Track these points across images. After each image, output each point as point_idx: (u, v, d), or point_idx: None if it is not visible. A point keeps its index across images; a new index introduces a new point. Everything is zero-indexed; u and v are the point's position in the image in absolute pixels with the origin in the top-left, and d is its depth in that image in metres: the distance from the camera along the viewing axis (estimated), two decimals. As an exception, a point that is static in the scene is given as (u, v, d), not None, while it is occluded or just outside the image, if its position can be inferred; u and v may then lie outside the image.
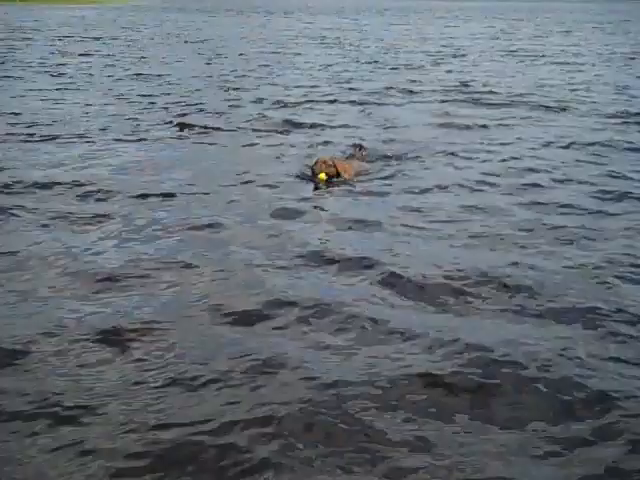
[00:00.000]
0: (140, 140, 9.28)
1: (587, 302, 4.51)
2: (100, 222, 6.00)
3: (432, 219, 6.21)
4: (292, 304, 4.44)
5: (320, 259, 5.22)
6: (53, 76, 15.26)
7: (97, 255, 5.27)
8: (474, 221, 6.17)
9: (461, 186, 7.26)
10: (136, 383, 3.59)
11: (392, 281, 4.83)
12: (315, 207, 6.56)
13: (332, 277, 4.93)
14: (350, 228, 5.98)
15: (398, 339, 4.05)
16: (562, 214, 6.37)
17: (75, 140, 9.20)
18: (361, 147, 8.53)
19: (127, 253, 5.28)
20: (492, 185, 7.35)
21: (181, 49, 21.96)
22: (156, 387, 3.55)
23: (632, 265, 5.17)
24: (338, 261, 5.16)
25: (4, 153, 8.39)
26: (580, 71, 17.49)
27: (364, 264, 5.12)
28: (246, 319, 4.28)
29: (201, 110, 11.44)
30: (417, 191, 7.06)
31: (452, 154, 8.65)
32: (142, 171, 7.70)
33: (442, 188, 7.19)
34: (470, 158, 8.53)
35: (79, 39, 24.76)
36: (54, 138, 9.22)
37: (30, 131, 9.60)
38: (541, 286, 4.74)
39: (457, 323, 4.26)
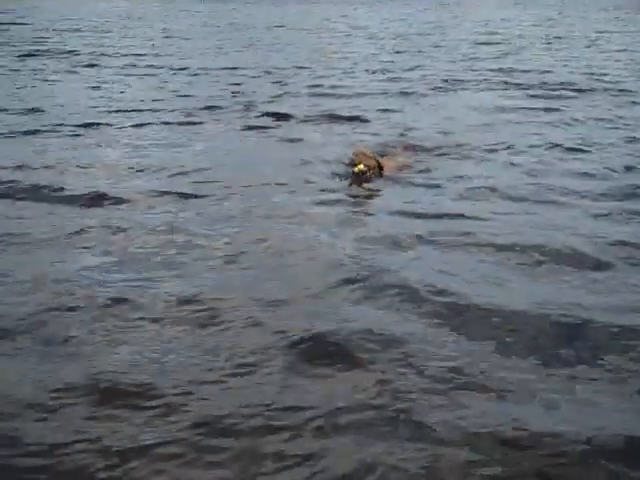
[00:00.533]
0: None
1: None
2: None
3: (481, 231, 5.33)
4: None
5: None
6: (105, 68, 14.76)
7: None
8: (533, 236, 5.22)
9: (516, 190, 6.41)
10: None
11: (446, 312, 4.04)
12: (346, 205, 6.03)
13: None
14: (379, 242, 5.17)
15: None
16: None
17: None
18: (412, 147, 7.83)
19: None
20: (553, 190, 6.43)
21: (224, 39, 21.27)
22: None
23: None
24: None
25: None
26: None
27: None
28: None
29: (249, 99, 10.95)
30: (464, 195, 6.28)
31: (507, 149, 7.96)
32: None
33: (491, 190, 6.41)
34: (524, 153, 7.84)
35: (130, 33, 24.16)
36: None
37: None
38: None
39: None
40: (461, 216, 5.66)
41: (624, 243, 5.02)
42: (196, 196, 6.13)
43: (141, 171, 6.98)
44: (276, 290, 4.29)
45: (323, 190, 6.34)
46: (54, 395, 3.24)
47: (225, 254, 4.87)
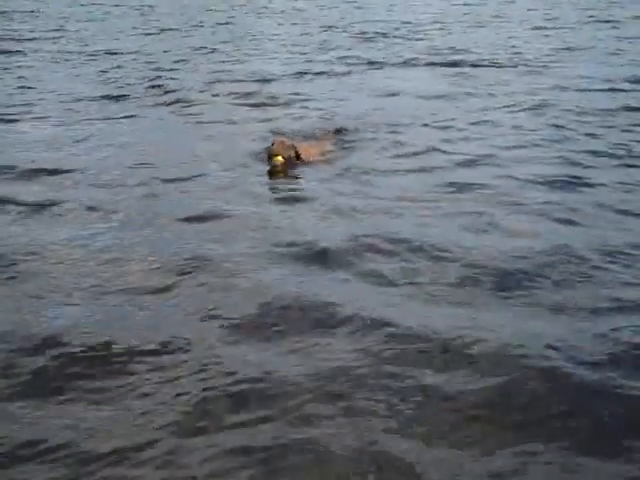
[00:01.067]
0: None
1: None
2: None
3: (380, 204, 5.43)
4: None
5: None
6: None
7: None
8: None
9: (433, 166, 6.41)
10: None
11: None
12: (265, 195, 5.76)
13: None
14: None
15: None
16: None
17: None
18: (340, 130, 7.54)
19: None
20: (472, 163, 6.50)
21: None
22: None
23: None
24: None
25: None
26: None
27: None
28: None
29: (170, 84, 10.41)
30: (384, 172, 6.25)
31: (427, 125, 7.83)
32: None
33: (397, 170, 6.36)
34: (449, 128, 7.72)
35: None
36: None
37: None
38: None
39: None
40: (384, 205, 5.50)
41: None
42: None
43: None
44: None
45: (244, 183, 6.04)
46: None
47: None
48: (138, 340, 3.56)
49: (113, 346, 3.52)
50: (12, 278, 4.29)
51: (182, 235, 4.92)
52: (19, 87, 10.31)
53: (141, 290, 4.10)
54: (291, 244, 4.70)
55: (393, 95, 9.62)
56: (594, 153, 6.67)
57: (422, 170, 6.31)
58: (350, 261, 4.44)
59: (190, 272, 4.31)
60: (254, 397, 3.13)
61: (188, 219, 5.20)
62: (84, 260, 4.53)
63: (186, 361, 3.40)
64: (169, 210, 5.40)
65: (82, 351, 3.48)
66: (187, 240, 4.82)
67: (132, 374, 3.31)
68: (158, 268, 4.39)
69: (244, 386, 3.19)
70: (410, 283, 4.16)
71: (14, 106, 9.03)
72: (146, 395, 3.16)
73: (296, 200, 5.67)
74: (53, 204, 5.52)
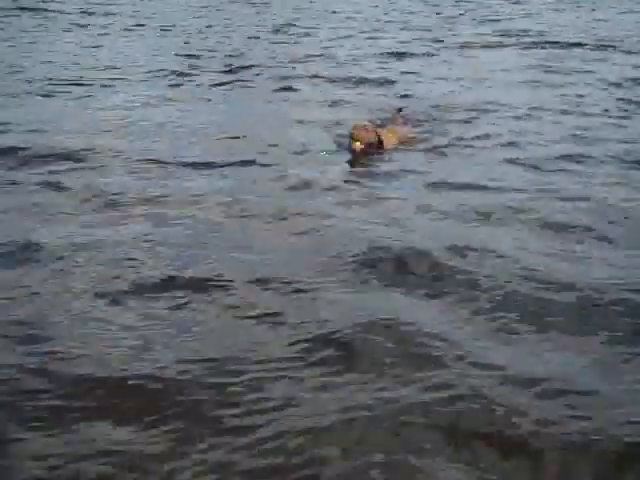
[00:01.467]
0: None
1: None
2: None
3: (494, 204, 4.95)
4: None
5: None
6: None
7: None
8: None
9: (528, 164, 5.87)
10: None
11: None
12: (347, 185, 5.40)
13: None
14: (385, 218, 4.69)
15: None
16: None
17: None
18: (400, 110, 7.21)
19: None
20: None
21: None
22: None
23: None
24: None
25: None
26: None
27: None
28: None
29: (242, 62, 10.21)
30: (478, 167, 5.77)
31: (516, 117, 7.35)
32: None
33: (508, 162, 5.91)
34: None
35: None
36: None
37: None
38: None
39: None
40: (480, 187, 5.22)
41: None
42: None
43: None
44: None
45: (322, 170, 5.73)
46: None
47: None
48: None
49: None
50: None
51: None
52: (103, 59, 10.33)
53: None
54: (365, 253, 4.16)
55: (482, 78, 9.12)
56: None
57: (511, 162, 5.90)
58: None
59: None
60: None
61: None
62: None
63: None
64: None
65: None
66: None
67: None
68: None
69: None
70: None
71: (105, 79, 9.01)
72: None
73: (374, 198, 5.16)
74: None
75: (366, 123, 6.18)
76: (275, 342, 3.24)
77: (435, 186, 5.31)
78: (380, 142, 6.08)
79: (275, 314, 3.46)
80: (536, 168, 5.73)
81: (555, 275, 3.83)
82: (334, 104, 7.80)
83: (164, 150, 6.11)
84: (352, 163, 5.91)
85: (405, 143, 6.36)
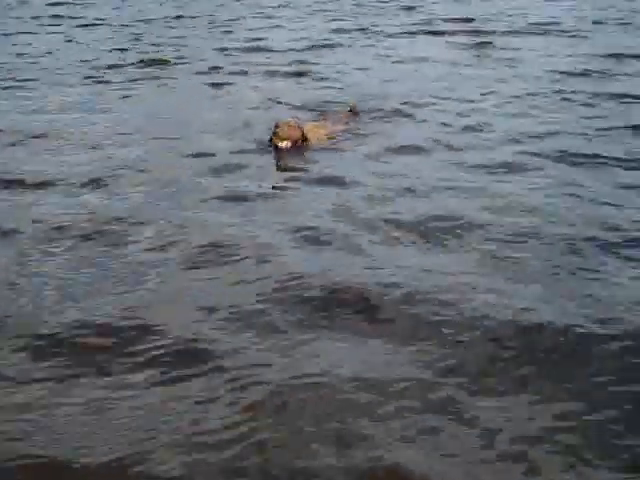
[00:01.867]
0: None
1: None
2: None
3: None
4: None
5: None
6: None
7: None
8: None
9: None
10: None
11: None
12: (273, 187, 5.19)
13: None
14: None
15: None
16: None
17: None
18: (353, 109, 6.85)
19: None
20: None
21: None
22: None
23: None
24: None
25: None
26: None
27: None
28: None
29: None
30: (398, 156, 5.67)
31: (449, 100, 7.27)
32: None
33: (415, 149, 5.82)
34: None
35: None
36: None
37: None
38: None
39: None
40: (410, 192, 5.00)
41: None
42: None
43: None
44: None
45: (244, 166, 5.53)
46: None
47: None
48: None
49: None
50: None
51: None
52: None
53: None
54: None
55: (414, 69, 8.96)
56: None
57: (436, 153, 5.74)
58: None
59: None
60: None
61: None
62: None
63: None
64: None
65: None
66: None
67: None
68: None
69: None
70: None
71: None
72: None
73: (299, 194, 5.06)
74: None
75: (290, 120, 5.93)
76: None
77: (357, 187, 5.10)
78: (305, 139, 5.86)
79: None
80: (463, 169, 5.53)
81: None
82: (264, 100, 7.55)
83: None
84: (276, 162, 5.69)
85: (333, 139, 6.14)
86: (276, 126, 5.81)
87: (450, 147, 5.87)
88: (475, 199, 4.77)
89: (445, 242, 4.17)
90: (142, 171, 5.47)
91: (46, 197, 5.01)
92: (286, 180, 5.34)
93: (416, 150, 5.85)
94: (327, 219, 4.51)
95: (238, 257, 4.02)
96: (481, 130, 6.33)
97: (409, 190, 4.96)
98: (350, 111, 6.82)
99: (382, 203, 4.75)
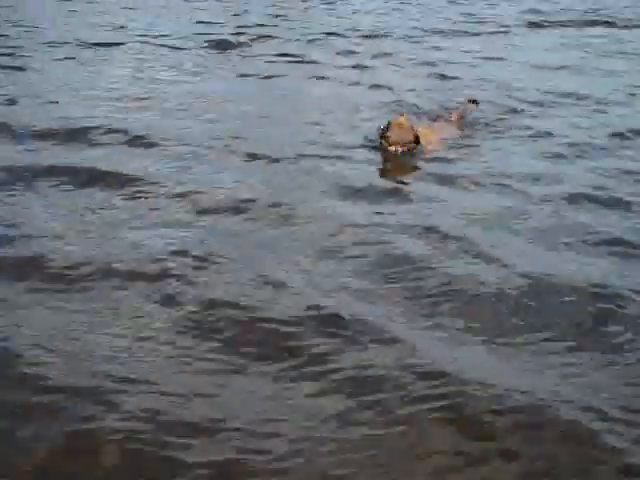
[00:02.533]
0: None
1: None
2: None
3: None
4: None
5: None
6: None
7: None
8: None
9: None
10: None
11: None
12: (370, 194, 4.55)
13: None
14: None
15: None
16: None
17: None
18: (475, 101, 6.16)
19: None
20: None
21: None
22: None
23: None
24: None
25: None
26: None
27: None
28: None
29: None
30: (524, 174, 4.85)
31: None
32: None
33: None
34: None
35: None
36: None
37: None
38: None
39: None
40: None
41: None
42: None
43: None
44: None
45: (349, 177, 4.88)
46: None
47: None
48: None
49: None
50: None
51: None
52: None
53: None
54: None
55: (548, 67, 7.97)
56: None
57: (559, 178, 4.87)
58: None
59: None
60: None
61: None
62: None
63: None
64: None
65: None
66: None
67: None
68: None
69: None
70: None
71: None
72: None
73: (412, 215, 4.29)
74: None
75: (402, 119, 5.26)
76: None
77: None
78: (417, 142, 5.21)
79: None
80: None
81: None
82: (373, 86, 6.95)
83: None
84: (384, 166, 5.07)
85: (445, 145, 5.46)
86: (387, 127, 5.16)
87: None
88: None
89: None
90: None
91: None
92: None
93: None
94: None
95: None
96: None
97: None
98: (473, 102, 6.11)
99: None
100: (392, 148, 5.12)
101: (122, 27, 9.52)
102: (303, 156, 5.09)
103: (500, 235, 3.94)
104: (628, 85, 7.15)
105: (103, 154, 5.04)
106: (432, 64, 7.90)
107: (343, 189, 4.53)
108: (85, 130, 5.42)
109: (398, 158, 5.13)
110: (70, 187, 4.45)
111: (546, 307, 3.21)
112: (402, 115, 5.37)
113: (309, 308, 3.13)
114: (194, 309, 3.12)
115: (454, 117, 5.96)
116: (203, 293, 3.25)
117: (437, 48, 8.83)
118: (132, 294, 3.24)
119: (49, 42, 8.40)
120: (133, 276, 3.37)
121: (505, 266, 3.53)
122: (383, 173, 5.01)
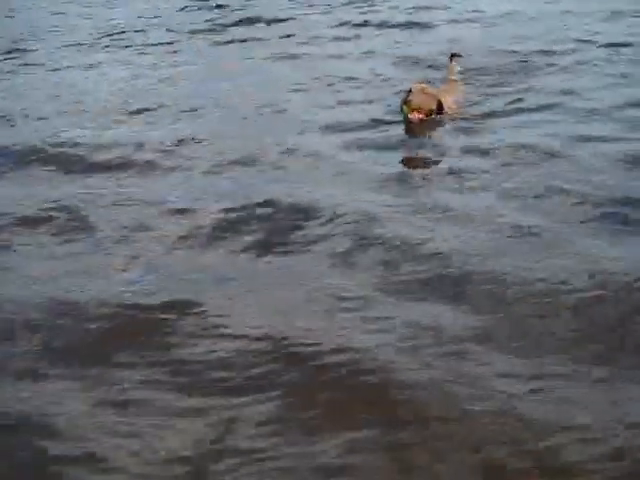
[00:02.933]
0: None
1: None
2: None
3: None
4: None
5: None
6: None
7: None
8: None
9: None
10: None
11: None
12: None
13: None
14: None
15: None
16: None
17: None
18: (454, 55, 5.81)
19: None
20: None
21: None
22: None
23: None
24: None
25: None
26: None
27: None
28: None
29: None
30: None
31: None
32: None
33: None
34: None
35: None
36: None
37: None
38: None
39: None
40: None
41: None
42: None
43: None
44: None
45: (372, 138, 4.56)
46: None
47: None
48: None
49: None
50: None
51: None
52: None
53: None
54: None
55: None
56: None
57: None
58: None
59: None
60: None
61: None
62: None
63: None
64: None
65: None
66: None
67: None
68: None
69: None
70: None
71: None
72: None
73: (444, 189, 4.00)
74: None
75: (424, 85, 4.85)
76: None
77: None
78: (440, 108, 4.82)
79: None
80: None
81: None
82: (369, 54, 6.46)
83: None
84: (408, 134, 4.71)
85: (461, 107, 5.10)
86: (409, 92, 4.75)
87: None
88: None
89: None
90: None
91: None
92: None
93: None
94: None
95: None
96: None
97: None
98: (456, 56, 5.77)
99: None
100: (413, 116, 4.71)
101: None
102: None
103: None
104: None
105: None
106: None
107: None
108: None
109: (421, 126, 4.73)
110: None
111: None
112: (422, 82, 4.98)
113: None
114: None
115: (452, 75, 5.60)
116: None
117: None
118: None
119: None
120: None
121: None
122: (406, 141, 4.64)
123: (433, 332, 2.65)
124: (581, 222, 3.43)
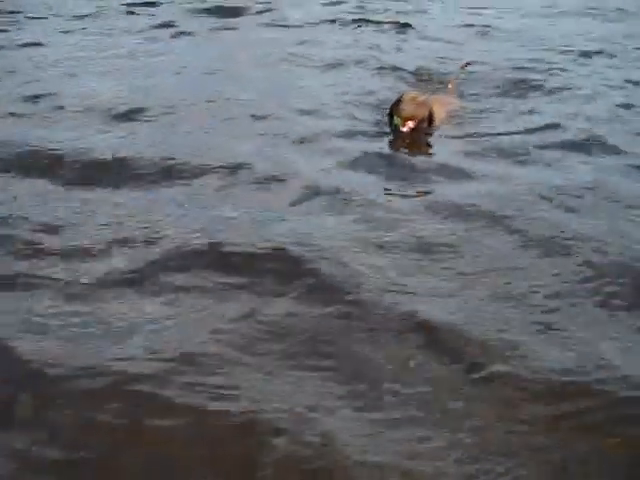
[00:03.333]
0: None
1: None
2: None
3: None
4: None
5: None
6: None
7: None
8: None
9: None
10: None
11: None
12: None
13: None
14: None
15: None
16: None
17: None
18: (468, 64, 5.75)
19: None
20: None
21: None
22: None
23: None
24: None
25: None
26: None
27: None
28: None
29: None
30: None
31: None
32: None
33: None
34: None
35: None
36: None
37: None
38: None
39: None
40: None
41: None
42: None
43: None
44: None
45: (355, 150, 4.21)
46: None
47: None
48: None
49: None
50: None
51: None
52: None
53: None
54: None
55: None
56: None
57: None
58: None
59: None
60: None
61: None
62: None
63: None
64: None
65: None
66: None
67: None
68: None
69: None
70: None
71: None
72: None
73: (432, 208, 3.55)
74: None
75: (414, 94, 4.59)
76: None
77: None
78: (431, 119, 4.56)
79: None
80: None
81: None
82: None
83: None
84: (394, 146, 4.40)
85: (454, 117, 4.86)
86: (399, 101, 4.47)
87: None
88: None
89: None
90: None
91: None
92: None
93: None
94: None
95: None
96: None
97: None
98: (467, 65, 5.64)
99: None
100: (403, 127, 4.42)
101: None
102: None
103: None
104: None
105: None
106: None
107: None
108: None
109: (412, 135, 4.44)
110: None
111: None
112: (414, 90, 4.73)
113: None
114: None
115: (450, 85, 5.39)
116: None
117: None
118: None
119: None
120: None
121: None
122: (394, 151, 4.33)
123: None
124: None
